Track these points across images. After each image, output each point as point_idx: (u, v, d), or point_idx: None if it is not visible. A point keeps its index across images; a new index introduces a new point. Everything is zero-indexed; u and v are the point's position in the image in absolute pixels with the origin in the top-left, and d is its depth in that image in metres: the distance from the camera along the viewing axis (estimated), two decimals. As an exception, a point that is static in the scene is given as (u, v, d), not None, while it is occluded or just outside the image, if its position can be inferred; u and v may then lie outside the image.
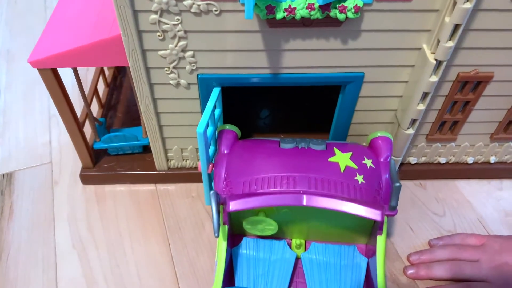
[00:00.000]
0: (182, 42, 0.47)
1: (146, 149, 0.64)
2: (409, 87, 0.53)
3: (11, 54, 0.85)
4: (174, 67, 0.49)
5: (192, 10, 0.44)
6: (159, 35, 0.46)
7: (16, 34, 0.89)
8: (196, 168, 0.63)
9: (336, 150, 0.50)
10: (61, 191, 0.63)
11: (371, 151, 0.52)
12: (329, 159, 0.49)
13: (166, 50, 0.48)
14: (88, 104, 0.60)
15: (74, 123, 0.58)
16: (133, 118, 0.69)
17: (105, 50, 0.49)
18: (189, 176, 0.64)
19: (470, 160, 0.64)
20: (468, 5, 0.42)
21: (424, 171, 0.65)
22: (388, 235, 0.60)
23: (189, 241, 0.58)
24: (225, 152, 0.52)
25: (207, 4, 0.43)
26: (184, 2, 0.43)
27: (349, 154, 0.50)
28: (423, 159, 0.64)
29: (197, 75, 0.51)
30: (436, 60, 0.47)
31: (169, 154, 0.61)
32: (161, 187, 0.64)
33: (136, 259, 0.56)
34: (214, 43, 0.47)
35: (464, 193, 0.65)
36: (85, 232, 0.59)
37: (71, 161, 0.67)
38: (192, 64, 0.49)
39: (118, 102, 0.73)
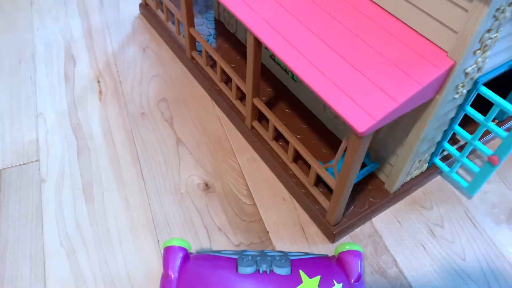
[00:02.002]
0: (489, 52, 0.46)
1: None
2: None
3: (-4, 51, 0.83)
4: (470, 79, 0.49)
5: None
6: (480, 52, 0.45)
7: (1, 31, 0.87)
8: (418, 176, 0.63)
9: (302, 274, 0.45)
10: (48, 189, 0.63)
11: (341, 269, 0.47)
12: None
13: (473, 65, 0.46)
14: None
15: (352, 183, 0.52)
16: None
17: (434, 86, 0.45)
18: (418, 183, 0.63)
19: None
20: None
21: None
22: (376, 228, 0.60)
23: (178, 237, 0.58)
24: (173, 277, 0.46)
25: None
26: None
27: (317, 279, 0.45)
28: None
29: (476, 79, 0.50)
30: None
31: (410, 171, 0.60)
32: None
33: (125, 256, 0.56)
34: None
35: (451, 187, 0.65)
36: (73, 230, 0.59)
37: (58, 159, 0.67)
38: (480, 70, 0.49)
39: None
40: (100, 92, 0.76)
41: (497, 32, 0.44)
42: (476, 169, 0.59)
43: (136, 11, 0.92)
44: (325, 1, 0.52)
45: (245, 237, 0.59)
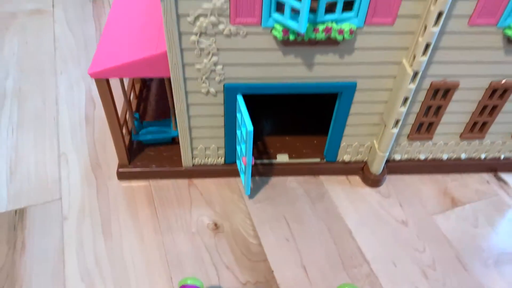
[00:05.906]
0: (214, 58, 0.58)
1: (174, 141, 0.77)
2: (393, 94, 0.64)
3: (23, 93, 0.90)
4: (206, 78, 0.60)
5: (225, 32, 0.55)
6: (196, 52, 0.57)
7: (27, 74, 0.94)
8: (215, 164, 0.74)
9: None
10: (70, 226, 0.68)
11: None
12: None
13: (201, 64, 0.58)
14: (130, 106, 0.74)
15: (117, 123, 0.67)
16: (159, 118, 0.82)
17: (153, 63, 0.59)
18: (211, 171, 0.75)
19: (444, 156, 0.76)
20: (436, 29, 0.53)
21: (407, 166, 0.77)
22: (373, 269, 0.65)
23: (189, 275, 0.63)
24: None
25: (236, 28, 0.54)
26: (219, 27, 0.54)
27: None
28: (405, 156, 0.76)
29: (224, 84, 0.62)
30: (413, 71, 0.58)
31: (194, 153, 0.72)
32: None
33: (140, 292, 0.61)
34: (240, 58, 0.58)
35: (442, 230, 0.70)
36: (93, 266, 0.63)
37: (79, 197, 0.72)
38: (221, 75, 0.60)
39: (146, 109, 0.84)
40: (118, 134, 0.82)
41: (209, 40, 0.55)
42: (242, 172, 0.71)
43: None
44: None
45: (251, 276, 0.63)
